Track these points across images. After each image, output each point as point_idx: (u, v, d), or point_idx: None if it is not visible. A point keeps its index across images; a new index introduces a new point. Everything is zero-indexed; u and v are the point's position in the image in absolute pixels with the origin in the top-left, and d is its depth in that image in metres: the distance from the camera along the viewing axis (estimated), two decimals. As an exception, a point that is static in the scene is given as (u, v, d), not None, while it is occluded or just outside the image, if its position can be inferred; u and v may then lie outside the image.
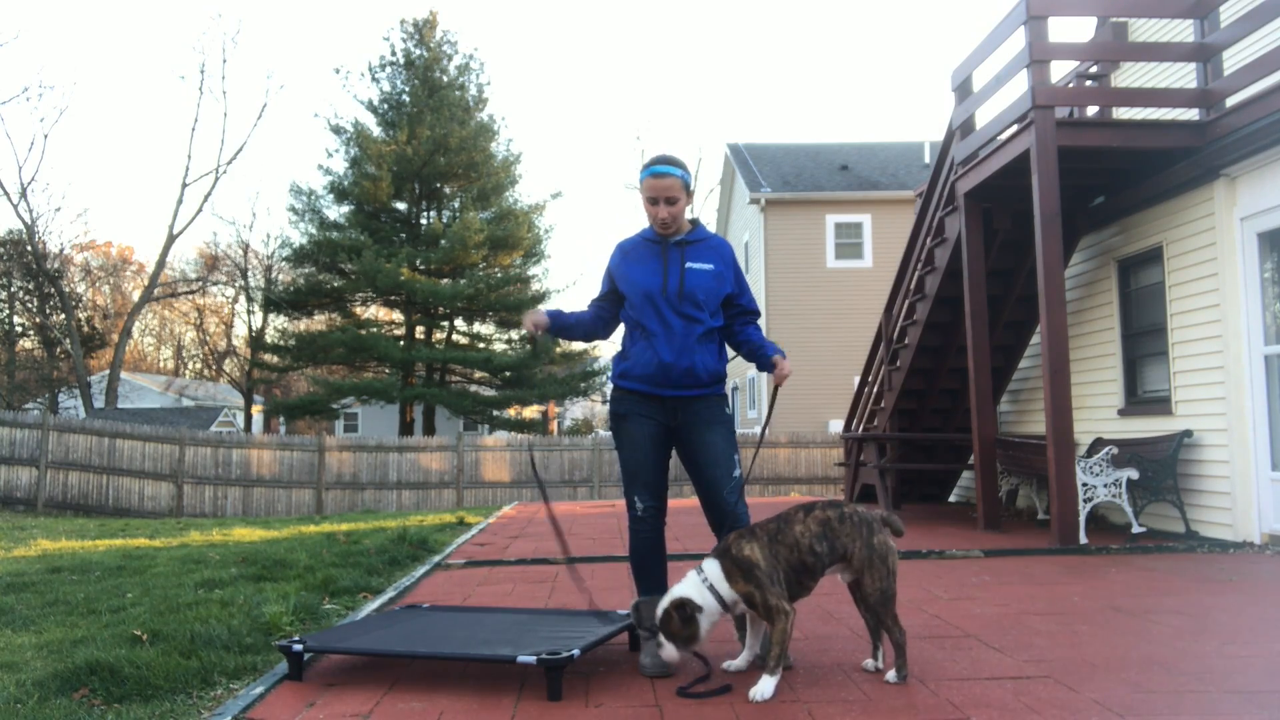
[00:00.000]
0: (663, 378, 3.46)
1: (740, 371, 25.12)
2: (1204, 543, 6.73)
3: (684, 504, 10.89)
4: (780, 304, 22.23)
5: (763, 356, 3.53)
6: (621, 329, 3.72)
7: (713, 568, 3.13)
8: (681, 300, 3.46)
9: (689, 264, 3.50)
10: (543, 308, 3.75)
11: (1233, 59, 7.68)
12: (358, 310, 34.87)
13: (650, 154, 46.34)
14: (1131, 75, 9.88)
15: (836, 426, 20.46)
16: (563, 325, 3.67)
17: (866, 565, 3.12)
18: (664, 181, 3.45)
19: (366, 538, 8.08)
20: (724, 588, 3.11)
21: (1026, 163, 7.20)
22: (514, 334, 35.37)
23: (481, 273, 32.86)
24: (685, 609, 3.09)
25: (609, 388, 3.73)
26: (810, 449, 20.69)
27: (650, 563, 3.56)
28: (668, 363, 3.44)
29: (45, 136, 44.82)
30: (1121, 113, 9.25)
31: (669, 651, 3.12)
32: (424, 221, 33.92)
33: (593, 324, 3.69)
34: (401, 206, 34.07)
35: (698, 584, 3.13)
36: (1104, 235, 8.51)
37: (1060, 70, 9.10)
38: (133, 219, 71.21)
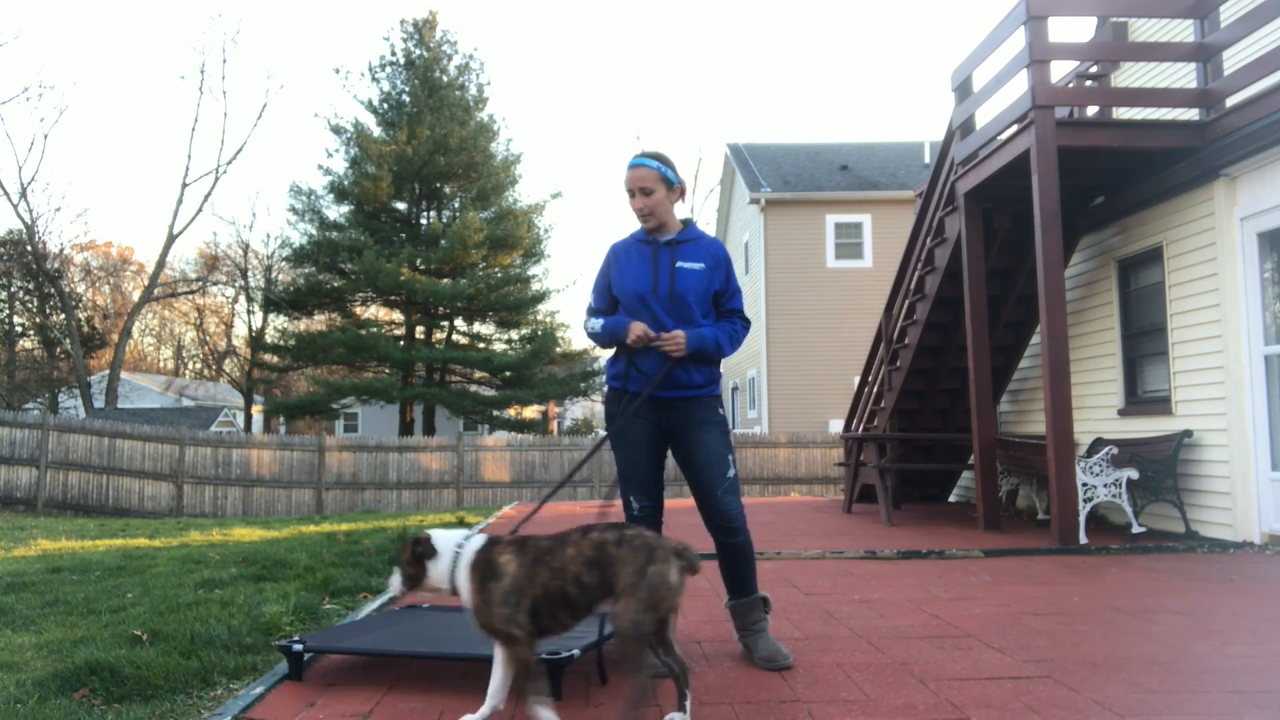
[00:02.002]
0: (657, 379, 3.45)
1: (740, 371, 25.12)
2: (1204, 543, 6.73)
3: (682, 504, 10.87)
4: (780, 304, 22.23)
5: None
6: None
7: (472, 547, 2.81)
8: (673, 301, 3.45)
9: (679, 264, 3.48)
10: (597, 321, 3.57)
11: (1233, 59, 7.68)
12: (358, 310, 34.89)
13: (649, 154, 46.07)
14: (1131, 75, 9.88)
15: (836, 426, 20.46)
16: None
17: (629, 590, 2.62)
18: (638, 173, 3.46)
19: (366, 538, 8.08)
20: (462, 573, 2.78)
21: (1026, 163, 7.20)
22: (514, 334, 35.40)
23: (481, 272, 32.88)
24: (420, 547, 2.84)
25: (607, 389, 3.67)
26: (810, 449, 20.69)
27: None
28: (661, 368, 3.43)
29: (45, 136, 44.73)
30: (1121, 113, 9.26)
31: (394, 580, 2.91)
32: (424, 221, 33.94)
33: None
34: (401, 206, 34.10)
35: (452, 544, 2.83)
36: (1104, 235, 8.51)
37: (1060, 70, 9.10)
38: (133, 219, 71.28)
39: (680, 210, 3.64)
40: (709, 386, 3.52)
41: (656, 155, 3.51)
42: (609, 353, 3.67)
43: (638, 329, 3.39)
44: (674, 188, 3.52)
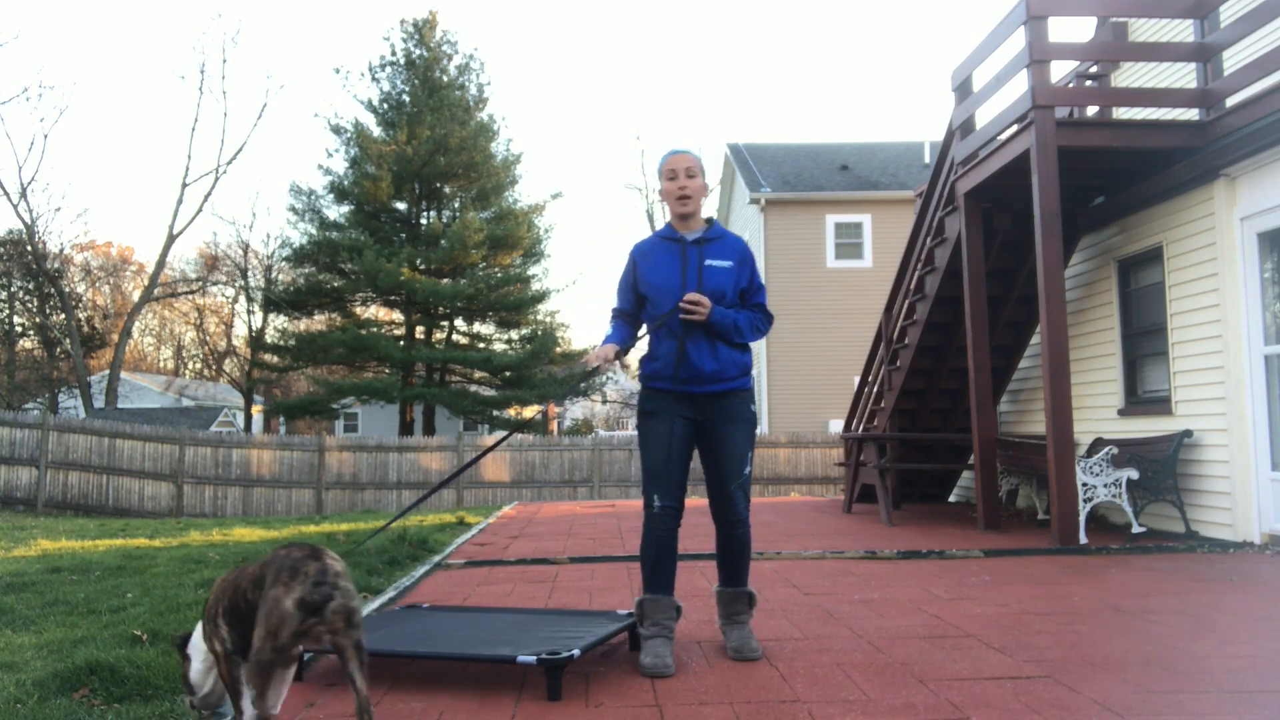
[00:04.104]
0: (692, 376, 3.53)
1: (740, 371, 25.11)
2: (1204, 543, 6.73)
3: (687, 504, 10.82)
4: (780, 304, 22.19)
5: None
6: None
7: None
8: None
9: (708, 262, 3.59)
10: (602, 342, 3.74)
11: (1233, 59, 7.68)
12: (358, 310, 34.88)
13: (650, 154, 46.33)
14: (1131, 75, 9.87)
15: (836, 426, 20.45)
16: (625, 346, 3.74)
17: (256, 619, 2.48)
18: (684, 158, 3.66)
19: (367, 538, 8.08)
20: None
21: (1026, 163, 7.20)
22: (514, 334, 35.40)
23: (481, 272, 32.88)
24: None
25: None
26: (810, 449, 20.69)
27: (661, 561, 3.59)
28: (695, 361, 3.52)
29: (45, 136, 44.87)
30: (1121, 113, 9.25)
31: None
32: (424, 221, 33.94)
33: (631, 336, 3.79)
34: (401, 206, 34.09)
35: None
36: (1104, 235, 8.51)
37: (1060, 70, 9.10)
38: (133, 219, 71.21)
39: (721, 218, 3.73)
40: (742, 379, 3.63)
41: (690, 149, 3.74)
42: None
43: (603, 353, 3.56)
44: (706, 185, 3.74)
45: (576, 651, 3.12)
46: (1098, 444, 7.97)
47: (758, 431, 21.92)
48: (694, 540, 7.22)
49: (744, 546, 3.64)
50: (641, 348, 3.78)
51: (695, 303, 3.46)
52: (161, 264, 33.31)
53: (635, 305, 3.72)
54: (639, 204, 67.19)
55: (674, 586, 3.62)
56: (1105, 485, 7.31)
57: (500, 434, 31.80)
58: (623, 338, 3.70)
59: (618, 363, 3.65)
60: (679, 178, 3.62)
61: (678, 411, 3.56)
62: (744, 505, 3.59)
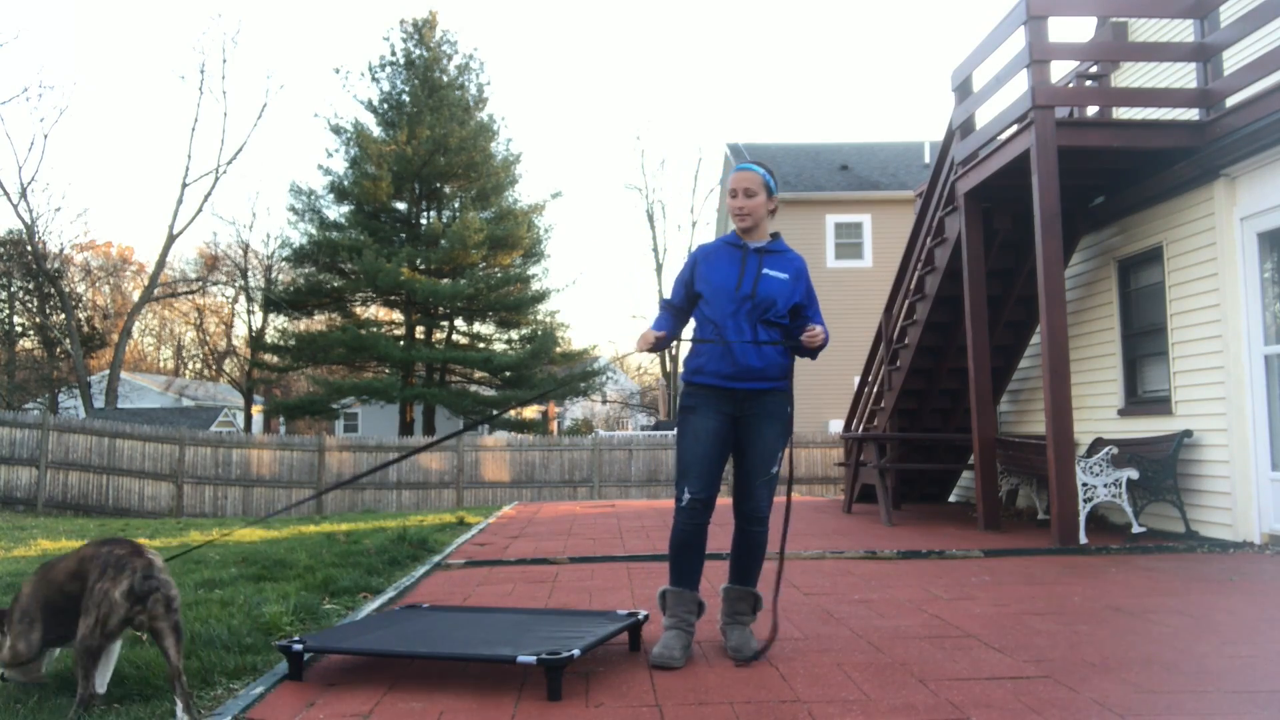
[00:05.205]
0: (735, 373, 3.59)
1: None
2: (1204, 543, 6.73)
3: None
4: (780, 304, 22.19)
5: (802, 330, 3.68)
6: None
7: None
8: (754, 302, 3.62)
9: (766, 270, 3.67)
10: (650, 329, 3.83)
11: (1233, 59, 7.68)
12: (358, 310, 34.88)
13: (650, 154, 46.44)
14: (1131, 75, 9.88)
15: (836, 426, 20.45)
16: (669, 336, 3.80)
17: (84, 605, 2.80)
18: (745, 175, 3.73)
19: (366, 538, 8.08)
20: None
21: (1026, 163, 7.21)
22: (514, 334, 35.40)
23: (481, 272, 32.88)
24: None
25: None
26: (810, 449, 20.70)
27: (684, 554, 3.62)
28: (740, 359, 3.58)
29: (45, 136, 44.74)
30: (1121, 113, 9.25)
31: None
32: (424, 221, 33.95)
33: (677, 328, 3.86)
34: (401, 206, 34.09)
35: None
36: (1104, 235, 8.51)
37: (1060, 70, 9.10)
38: (133, 219, 71.14)
39: (721, 217, 3.74)
40: (783, 380, 3.71)
41: (761, 163, 3.78)
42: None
43: (645, 337, 3.67)
44: (772, 196, 3.75)
45: (576, 651, 3.12)
46: (1098, 444, 7.97)
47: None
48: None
49: (759, 546, 3.68)
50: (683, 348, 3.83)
51: (814, 334, 3.58)
52: (161, 264, 33.30)
53: (686, 302, 3.80)
54: (639, 204, 67.22)
55: (698, 582, 3.65)
56: (1105, 485, 7.31)
57: (500, 434, 31.79)
58: (670, 328, 3.79)
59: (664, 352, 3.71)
60: (738, 196, 3.71)
61: (718, 408, 3.61)
62: (767, 503, 3.62)
